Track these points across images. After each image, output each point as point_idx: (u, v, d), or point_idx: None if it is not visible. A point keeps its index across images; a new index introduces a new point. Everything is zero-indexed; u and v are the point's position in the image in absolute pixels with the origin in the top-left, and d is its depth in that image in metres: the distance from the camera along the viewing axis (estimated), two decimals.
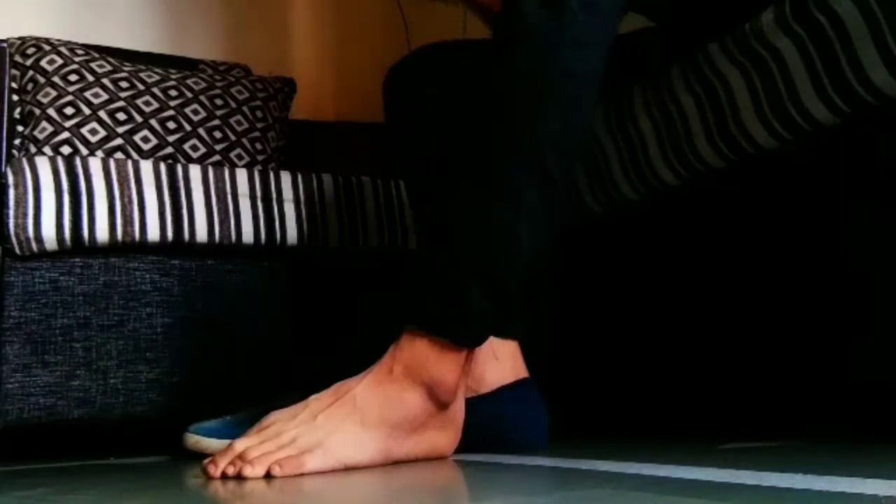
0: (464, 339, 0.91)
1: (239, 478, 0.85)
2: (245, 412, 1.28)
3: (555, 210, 0.90)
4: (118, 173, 1.46)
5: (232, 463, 0.88)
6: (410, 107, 1.23)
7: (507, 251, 0.89)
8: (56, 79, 1.76)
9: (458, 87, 1.16)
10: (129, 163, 1.48)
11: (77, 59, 1.80)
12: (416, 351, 0.91)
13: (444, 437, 0.95)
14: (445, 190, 1.00)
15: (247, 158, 1.84)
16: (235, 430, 1.23)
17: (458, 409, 0.96)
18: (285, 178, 1.58)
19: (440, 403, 0.92)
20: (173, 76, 1.86)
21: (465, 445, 1.03)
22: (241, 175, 1.55)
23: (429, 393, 0.91)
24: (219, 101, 1.87)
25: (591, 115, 0.97)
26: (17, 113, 1.78)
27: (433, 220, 1.16)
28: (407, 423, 0.91)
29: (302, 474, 0.85)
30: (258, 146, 1.88)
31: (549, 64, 0.88)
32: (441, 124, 1.17)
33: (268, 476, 0.85)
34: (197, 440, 1.23)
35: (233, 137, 1.85)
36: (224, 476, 0.87)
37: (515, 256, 0.89)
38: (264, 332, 1.54)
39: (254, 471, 0.85)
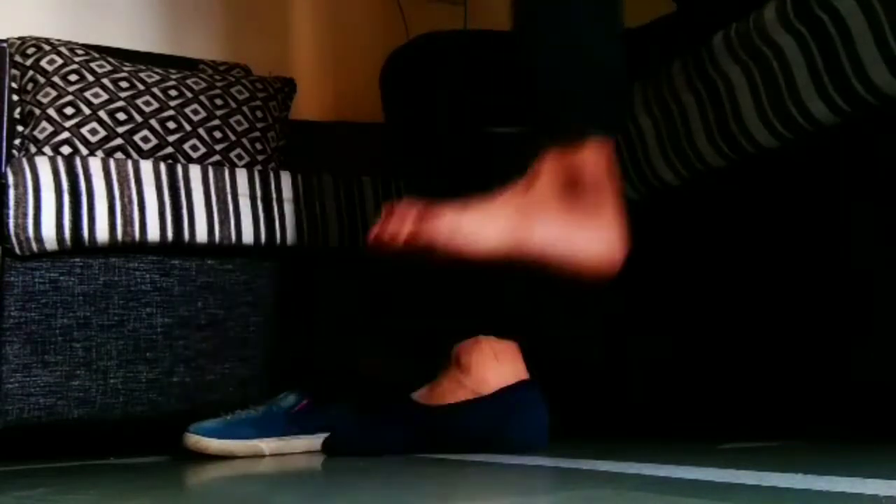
0: (588, 126, 0.90)
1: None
2: (245, 412, 1.28)
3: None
4: (118, 173, 1.46)
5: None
6: (411, 88, 1.24)
7: (584, 35, 0.92)
8: (56, 79, 1.76)
9: (459, 67, 1.20)
10: (129, 163, 1.48)
11: (77, 59, 1.80)
12: (547, 164, 0.89)
13: (597, 236, 0.90)
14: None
15: (247, 158, 1.84)
16: (236, 430, 1.23)
17: (613, 210, 0.90)
18: (285, 178, 1.58)
19: (587, 190, 0.89)
20: (173, 76, 1.86)
21: (465, 446, 1.03)
22: (241, 175, 1.55)
23: (569, 183, 0.89)
24: (219, 101, 1.87)
25: None
26: (17, 113, 1.78)
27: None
28: (540, 197, 0.89)
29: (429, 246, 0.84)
30: (258, 146, 1.88)
31: None
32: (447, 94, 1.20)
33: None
34: (197, 440, 1.23)
35: (233, 137, 1.85)
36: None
37: (594, 41, 0.92)
38: (264, 332, 1.54)
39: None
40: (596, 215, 0.90)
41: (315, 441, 1.27)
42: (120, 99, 1.77)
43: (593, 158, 0.90)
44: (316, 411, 1.29)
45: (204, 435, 1.24)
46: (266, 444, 1.26)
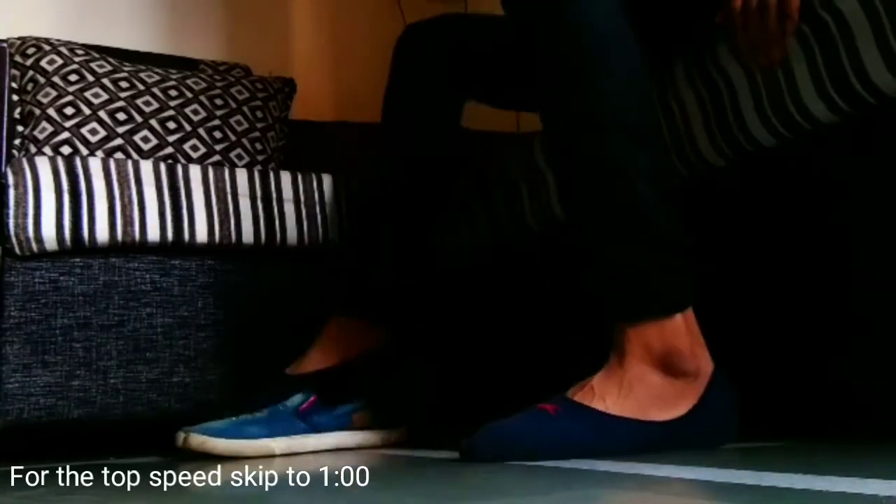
0: (664, 309, 0.93)
1: None
2: (251, 415, 1.25)
3: (658, 161, 0.97)
4: (118, 173, 1.46)
5: None
6: (425, 61, 1.30)
7: (643, 206, 0.93)
8: (56, 79, 1.76)
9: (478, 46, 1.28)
10: (129, 163, 1.48)
11: (77, 59, 1.80)
12: (636, 337, 0.92)
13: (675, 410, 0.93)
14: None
15: (247, 158, 1.84)
16: (244, 429, 1.21)
17: (703, 374, 0.95)
18: (285, 178, 1.58)
19: (683, 373, 0.93)
20: (173, 76, 1.86)
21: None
22: (241, 175, 1.55)
23: (666, 368, 0.93)
24: (219, 101, 1.87)
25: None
26: (17, 113, 1.78)
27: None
28: (655, 399, 0.92)
29: None
30: (258, 146, 1.88)
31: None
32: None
33: None
34: (203, 440, 1.20)
35: (233, 137, 1.85)
36: None
37: (653, 207, 0.93)
38: (264, 333, 1.54)
39: None
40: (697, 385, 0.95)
41: (325, 439, 1.26)
42: (120, 99, 1.77)
43: (677, 333, 0.94)
44: (324, 409, 1.27)
45: (211, 435, 1.20)
46: (276, 444, 1.22)
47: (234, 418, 1.25)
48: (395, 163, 1.33)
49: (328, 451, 1.26)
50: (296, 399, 1.28)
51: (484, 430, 0.92)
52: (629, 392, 0.91)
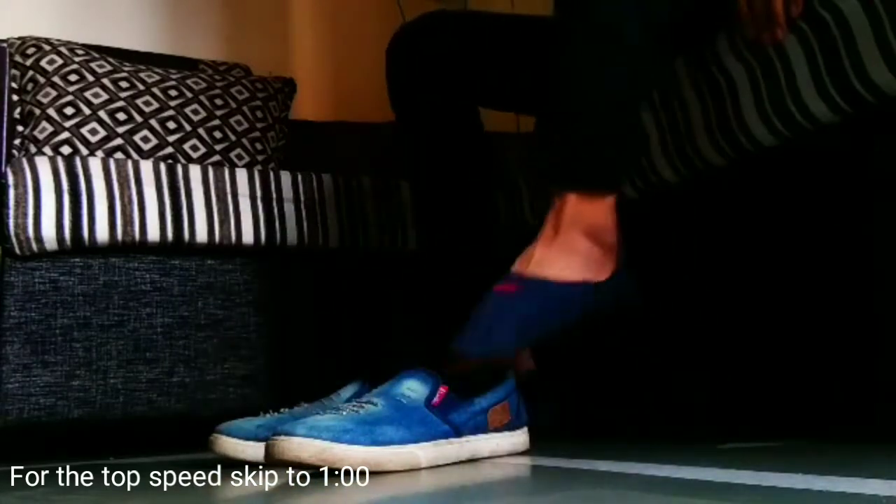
0: (607, 183, 1.00)
1: None
2: (273, 415, 1.16)
3: (645, 58, 1.00)
4: (118, 173, 1.46)
5: None
6: (419, 62, 1.26)
7: (613, 96, 0.98)
8: (56, 79, 1.76)
9: (468, 44, 1.27)
10: (129, 163, 1.48)
11: (77, 59, 1.80)
12: (571, 206, 0.99)
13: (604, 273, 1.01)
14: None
15: (247, 158, 1.84)
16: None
17: (617, 247, 1.03)
18: (285, 178, 1.58)
19: (605, 245, 1.01)
20: (173, 76, 1.86)
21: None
22: (241, 175, 1.55)
23: (594, 238, 1.00)
24: (219, 101, 1.87)
25: None
26: (17, 113, 1.78)
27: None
28: (586, 266, 1.00)
29: None
30: (258, 146, 1.88)
31: None
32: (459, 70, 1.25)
33: None
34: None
35: (233, 137, 1.85)
36: None
37: (622, 100, 0.99)
38: (264, 333, 1.54)
39: None
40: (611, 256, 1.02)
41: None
42: (120, 99, 1.77)
43: (606, 209, 1.01)
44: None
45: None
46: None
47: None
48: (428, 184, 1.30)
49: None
50: (349, 391, 1.09)
51: (464, 331, 0.94)
52: (570, 257, 0.99)
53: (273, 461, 0.83)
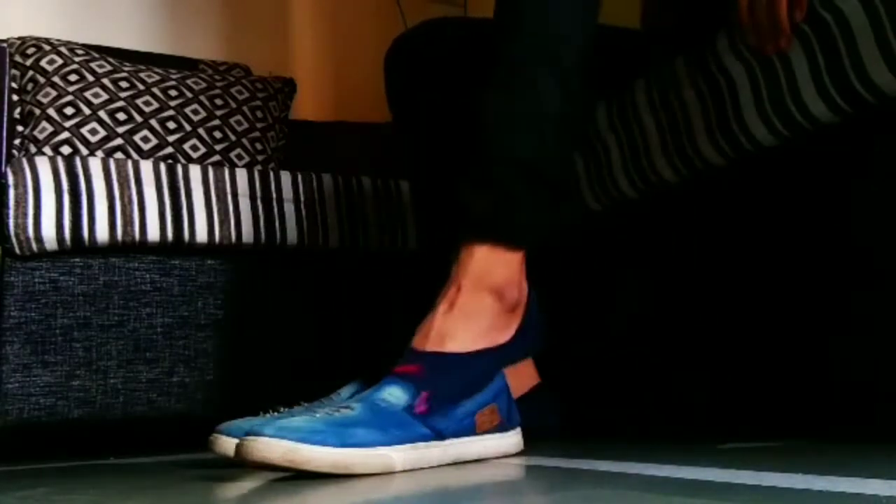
0: (517, 238, 0.97)
1: None
2: (273, 415, 1.16)
3: (574, 105, 0.97)
4: (118, 173, 1.46)
5: None
6: (417, 71, 1.25)
7: (537, 139, 0.96)
8: (56, 79, 1.76)
9: (467, 52, 1.21)
10: (129, 163, 1.48)
11: (77, 59, 1.80)
12: (477, 261, 0.96)
13: (507, 333, 0.99)
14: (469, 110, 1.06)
15: (247, 158, 1.84)
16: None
17: (523, 306, 1.00)
18: (285, 178, 1.58)
19: (510, 302, 0.97)
20: (173, 76, 1.86)
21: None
22: (241, 175, 1.55)
23: (499, 296, 0.96)
24: (219, 101, 1.87)
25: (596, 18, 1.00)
26: (17, 113, 1.78)
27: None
28: (490, 329, 0.96)
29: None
30: (258, 146, 1.88)
31: None
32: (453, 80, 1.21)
33: None
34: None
35: (233, 137, 1.85)
36: None
37: (545, 144, 0.96)
38: (264, 333, 1.54)
39: None
40: (516, 315, 0.99)
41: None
42: (120, 99, 1.77)
43: (515, 265, 0.98)
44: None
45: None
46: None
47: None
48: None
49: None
50: (349, 390, 1.08)
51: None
52: (470, 322, 0.95)
53: (243, 462, 0.81)
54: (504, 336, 0.98)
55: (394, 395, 0.88)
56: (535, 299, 1.03)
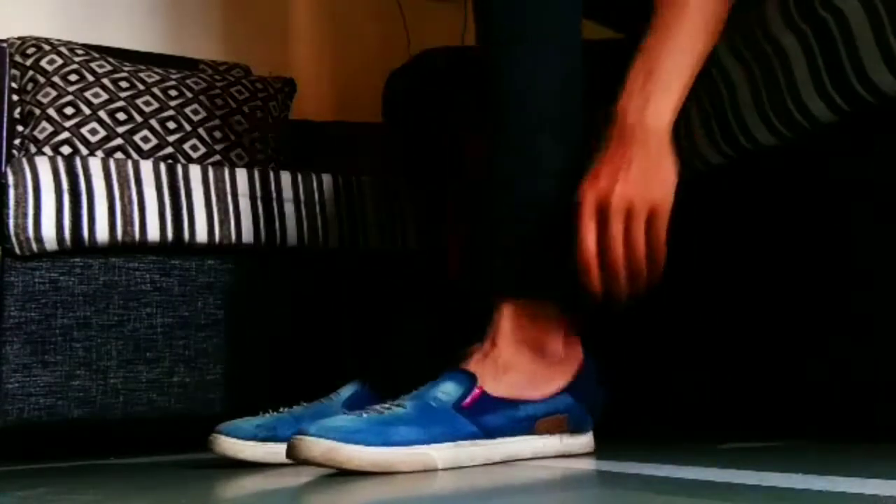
0: (540, 292, 0.95)
1: None
2: (272, 415, 1.17)
3: (573, 159, 0.96)
4: (118, 173, 1.46)
5: None
6: (411, 106, 1.24)
7: (538, 197, 0.95)
8: (56, 79, 1.76)
9: (458, 84, 1.19)
10: (129, 163, 1.48)
11: (77, 59, 1.80)
12: (506, 317, 0.95)
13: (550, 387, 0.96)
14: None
15: (247, 158, 1.84)
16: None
17: (572, 354, 0.97)
18: (285, 178, 1.58)
19: (552, 356, 0.95)
20: (173, 76, 1.86)
21: None
22: (241, 175, 1.55)
23: (537, 350, 0.95)
24: (219, 101, 1.87)
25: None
26: (17, 113, 1.78)
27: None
28: (528, 384, 0.94)
29: None
30: (258, 146, 1.88)
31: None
32: (446, 121, 1.19)
33: None
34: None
35: (233, 137, 1.85)
36: None
37: (548, 200, 0.95)
38: (264, 333, 1.54)
39: None
40: (569, 361, 0.97)
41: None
42: (120, 99, 1.77)
43: (556, 316, 0.96)
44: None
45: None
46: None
47: (256, 420, 1.08)
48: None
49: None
50: (348, 390, 1.11)
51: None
52: (504, 374, 0.93)
53: (293, 460, 0.84)
54: (543, 391, 0.95)
55: (447, 391, 0.90)
56: (594, 368, 1.00)
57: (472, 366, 0.93)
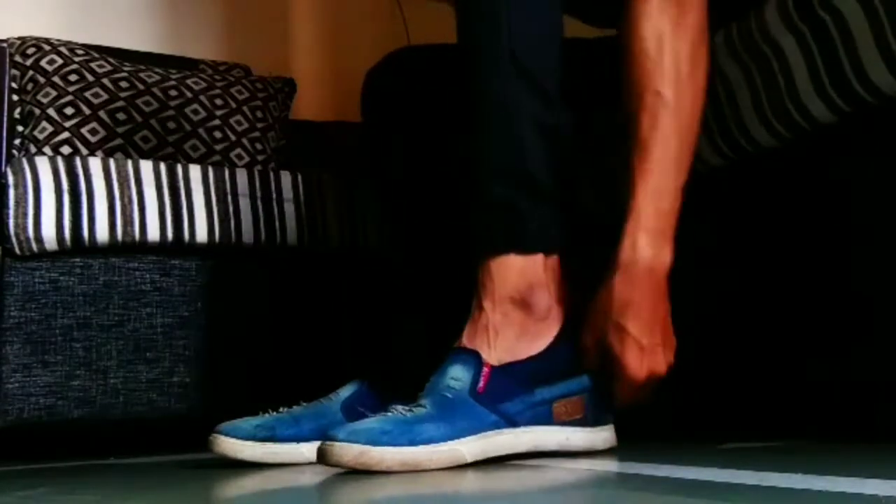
0: (525, 243, 0.95)
1: None
2: (272, 415, 1.17)
3: (549, 111, 0.96)
4: (118, 173, 1.46)
5: None
6: (390, 105, 1.24)
7: (523, 148, 0.95)
8: (56, 79, 1.76)
9: (436, 84, 1.19)
10: (129, 163, 1.48)
11: (77, 59, 1.80)
12: (491, 276, 0.95)
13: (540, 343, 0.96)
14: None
15: (247, 158, 1.84)
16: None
17: (559, 308, 0.97)
18: (285, 178, 1.58)
19: (540, 312, 0.95)
20: (173, 76, 1.86)
21: None
22: (241, 175, 1.55)
23: (525, 306, 0.95)
24: (219, 101, 1.87)
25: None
26: (17, 113, 1.78)
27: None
28: (517, 341, 0.94)
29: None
30: (258, 146, 1.88)
31: None
32: (422, 120, 1.19)
33: None
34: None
35: (233, 137, 1.85)
36: None
37: (533, 151, 0.95)
38: (264, 333, 1.54)
39: None
40: (553, 317, 0.97)
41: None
42: (120, 99, 1.77)
43: (534, 272, 0.96)
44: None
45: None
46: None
47: (255, 420, 1.08)
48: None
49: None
50: (347, 390, 1.10)
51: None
52: (496, 338, 0.94)
53: (324, 465, 0.85)
54: (536, 346, 0.96)
55: (457, 377, 0.90)
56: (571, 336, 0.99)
57: (466, 340, 0.94)
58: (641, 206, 0.96)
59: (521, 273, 0.96)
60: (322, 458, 0.84)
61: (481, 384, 0.90)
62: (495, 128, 0.96)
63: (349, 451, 0.82)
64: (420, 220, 1.23)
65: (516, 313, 0.95)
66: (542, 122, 0.95)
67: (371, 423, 0.86)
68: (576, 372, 0.97)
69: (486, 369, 0.91)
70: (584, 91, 1.03)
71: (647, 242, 0.95)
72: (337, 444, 0.83)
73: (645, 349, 0.94)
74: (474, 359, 0.91)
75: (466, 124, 0.99)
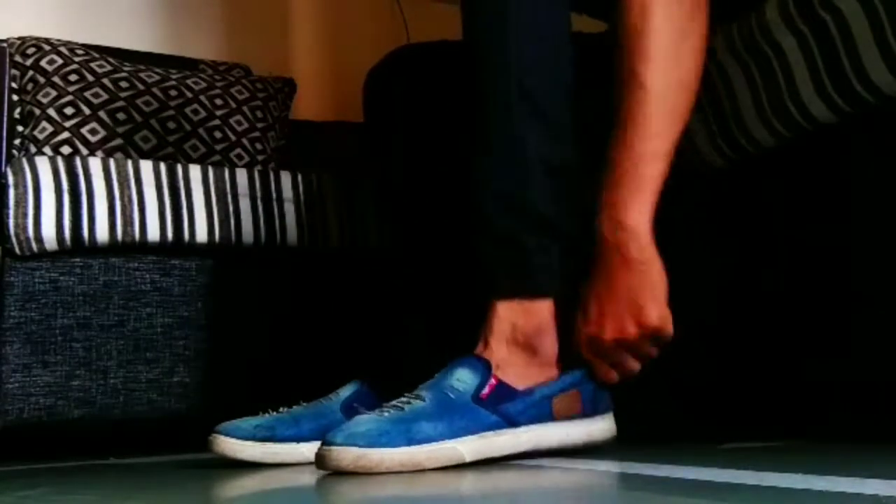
0: (538, 288, 0.95)
1: None
2: (272, 415, 1.16)
3: (553, 143, 0.95)
4: (118, 173, 1.46)
5: None
6: (391, 105, 1.24)
7: (527, 182, 0.94)
8: (56, 79, 1.76)
9: (437, 82, 1.19)
10: (129, 163, 1.48)
11: (77, 59, 1.80)
12: (500, 317, 0.95)
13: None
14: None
15: (247, 158, 1.84)
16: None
17: (552, 349, 0.97)
18: (285, 178, 1.58)
19: (545, 358, 0.96)
20: (173, 76, 1.86)
21: None
22: (241, 175, 1.55)
23: (529, 349, 0.95)
24: (219, 101, 1.87)
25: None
26: (17, 113, 1.78)
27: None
28: (520, 380, 0.93)
29: None
30: (258, 146, 1.88)
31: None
32: (424, 119, 1.19)
33: None
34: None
35: (233, 137, 1.85)
36: None
37: (538, 190, 0.94)
38: (264, 333, 1.54)
39: None
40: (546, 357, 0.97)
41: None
42: (120, 99, 1.77)
43: (547, 313, 0.96)
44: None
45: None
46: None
47: (255, 420, 1.09)
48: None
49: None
50: (348, 390, 1.11)
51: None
52: (499, 371, 0.93)
53: (323, 470, 0.84)
54: (537, 381, 0.95)
55: (463, 379, 0.90)
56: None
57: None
58: (623, 169, 0.95)
59: (531, 316, 0.96)
60: (320, 463, 0.84)
61: (485, 391, 0.90)
62: (500, 161, 0.95)
63: (347, 455, 0.82)
64: (420, 220, 1.22)
65: (521, 357, 0.95)
66: (546, 153, 0.95)
67: (368, 423, 0.84)
68: (570, 366, 0.97)
69: (493, 380, 0.91)
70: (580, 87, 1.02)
71: (608, 216, 0.95)
72: (335, 448, 0.82)
73: (605, 315, 0.94)
74: (484, 366, 0.91)
75: (471, 158, 0.98)
